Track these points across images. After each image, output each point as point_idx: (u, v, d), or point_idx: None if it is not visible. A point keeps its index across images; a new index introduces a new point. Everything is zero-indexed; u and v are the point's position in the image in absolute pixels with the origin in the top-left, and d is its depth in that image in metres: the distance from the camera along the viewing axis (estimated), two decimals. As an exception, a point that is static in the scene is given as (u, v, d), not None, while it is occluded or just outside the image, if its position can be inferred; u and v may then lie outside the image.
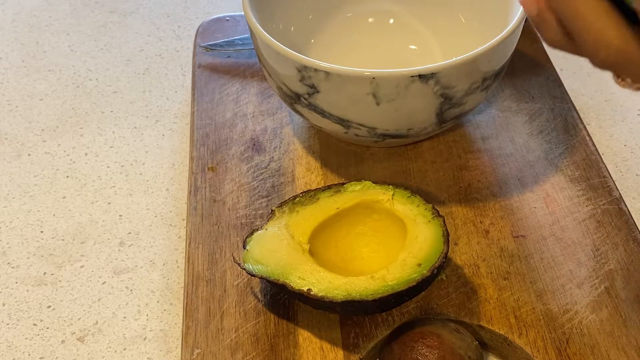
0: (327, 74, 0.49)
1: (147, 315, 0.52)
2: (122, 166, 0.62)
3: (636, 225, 0.52)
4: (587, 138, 0.58)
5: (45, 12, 0.80)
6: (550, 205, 0.54)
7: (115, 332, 0.51)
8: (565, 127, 0.59)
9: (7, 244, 0.56)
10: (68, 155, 0.63)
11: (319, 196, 0.49)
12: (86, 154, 0.63)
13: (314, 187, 0.56)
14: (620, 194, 0.54)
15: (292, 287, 0.45)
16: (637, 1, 0.33)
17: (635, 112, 0.65)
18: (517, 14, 0.52)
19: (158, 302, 0.52)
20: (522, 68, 0.64)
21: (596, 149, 0.57)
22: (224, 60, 0.67)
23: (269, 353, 0.46)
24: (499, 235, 0.52)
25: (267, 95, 0.63)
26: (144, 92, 0.69)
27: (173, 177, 0.61)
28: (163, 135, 0.65)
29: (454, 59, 0.49)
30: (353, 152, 0.58)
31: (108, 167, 0.62)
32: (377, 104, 0.50)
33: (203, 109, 0.62)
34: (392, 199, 0.49)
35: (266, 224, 0.49)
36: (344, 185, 0.50)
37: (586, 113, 0.64)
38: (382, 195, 0.49)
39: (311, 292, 0.44)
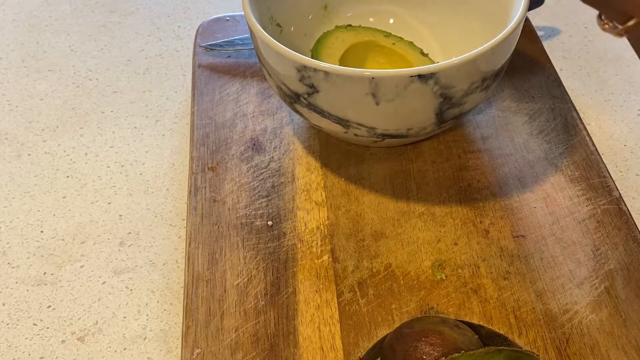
0: (327, 73, 0.49)
1: (147, 315, 0.52)
2: (122, 166, 0.62)
3: (636, 225, 0.52)
4: (587, 138, 0.58)
5: (45, 12, 0.80)
6: (550, 205, 0.54)
7: (115, 332, 0.51)
8: (565, 127, 0.59)
9: (7, 244, 0.56)
10: (68, 155, 0.63)
11: None
12: (86, 154, 0.63)
13: (314, 187, 0.56)
14: (620, 194, 0.54)
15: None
16: None
17: (635, 112, 0.65)
18: (517, 14, 0.52)
19: (158, 302, 0.52)
20: (522, 68, 0.64)
21: (596, 149, 0.57)
22: (224, 60, 0.67)
23: (269, 353, 0.46)
24: (499, 235, 0.52)
25: (267, 95, 0.63)
26: (144, 92, 0.69)
27: (173, 177, 0.61)
28: (163, 135, 0.65)
29: (454, 59, 0.49)
30: (353, 152, 0.58)
31: (108, 167, 0.62)
32: (377, 103, 0.50)
33: (203, 109, 0.62)
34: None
35: None
36: None
37: (586, 113, 0.64)
38: None
39: None
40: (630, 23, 0.36)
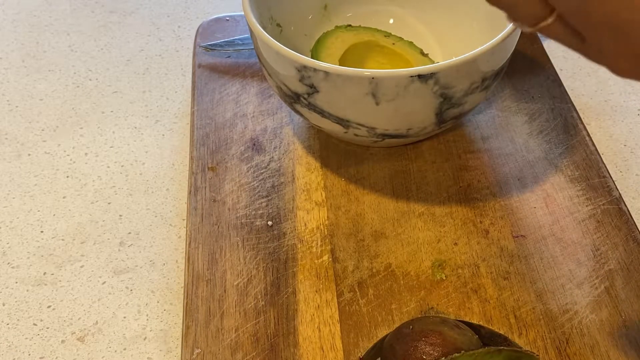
0: (327, 73, 0.49)
1: (147, 315, 0.52)
2: (122, 166, 0.62)
3: (636, 225, 0.52)
4: (587, 138, 0.58)
5: (45, 12, 0.80)
6: (550, 205, 0.54)
7: (115, 332, 0.51)
8: (565, 127, 0.59)
9: (7, 244, 0.56)
10: (68, 155, 0.63)
11: None
12: (86, 154, 0.63)
13: (314, 187, 0.56)
14: (620, 194, 0.54)
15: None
16: None
17: (635, 112, 0.65)
18: (517, 14, 0.52)
19: (158, 302, 0.52)
20: (522, 68, 0.64)
21: (596, 149, 0.57)
22: (224, 60, 0.67)
23: (269, 353, 0.46)
24: (498, 235, 0.52)
25: (267, 95, 0.63)
26: (144, 92, 0.69)
27: (173, 177, 0.61)
28: (163, 135, 0.65)
29: (454, 59, 0.49)
30: (353, 152, 0.58)
31: (108, 167, 0.62)
32: (377, 104, 0.50)
33: (203, 109, 0.62)
34: None
35: None
36: None
37: (586, 113, 0.64)
38: None
39: None
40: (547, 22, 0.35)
